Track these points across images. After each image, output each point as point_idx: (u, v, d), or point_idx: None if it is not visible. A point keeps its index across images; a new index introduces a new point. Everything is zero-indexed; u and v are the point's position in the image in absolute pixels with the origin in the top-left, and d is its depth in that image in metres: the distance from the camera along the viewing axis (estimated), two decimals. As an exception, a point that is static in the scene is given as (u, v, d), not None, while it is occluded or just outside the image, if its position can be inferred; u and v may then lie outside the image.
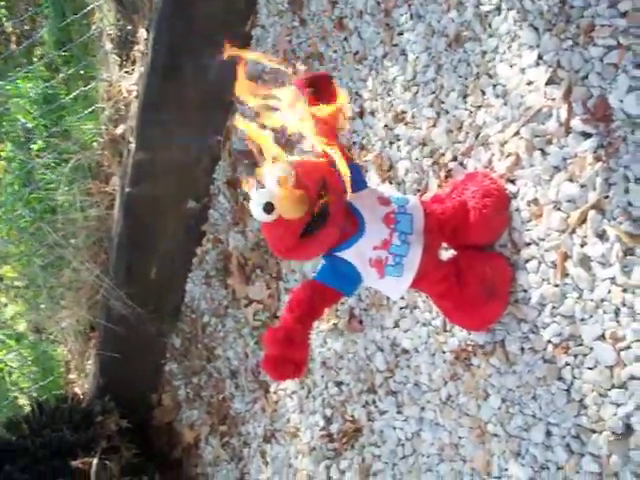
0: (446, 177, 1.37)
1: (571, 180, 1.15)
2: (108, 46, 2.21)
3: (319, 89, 1.09)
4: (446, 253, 1.30)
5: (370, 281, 1.14)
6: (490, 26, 1.30)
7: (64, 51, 2.39)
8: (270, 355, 1.04)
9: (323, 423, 1.70)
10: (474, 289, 1.19)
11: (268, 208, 0.98)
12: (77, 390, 2.56)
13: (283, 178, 0.98)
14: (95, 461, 2.04)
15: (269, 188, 0.99)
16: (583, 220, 1.12)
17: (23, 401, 2.69)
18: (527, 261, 1.21)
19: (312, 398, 1.74)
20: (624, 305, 1.07)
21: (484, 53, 1.31)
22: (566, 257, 1.14)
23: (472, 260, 1.21)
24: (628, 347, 1.06)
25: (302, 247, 1.03)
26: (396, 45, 1.52)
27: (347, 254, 1.09)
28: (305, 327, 1.07)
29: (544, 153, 1.19)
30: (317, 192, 1.00)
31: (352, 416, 1.61)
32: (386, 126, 1.53)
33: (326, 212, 1.00)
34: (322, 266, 1.11)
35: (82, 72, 2.34)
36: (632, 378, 1.05)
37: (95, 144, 2.25)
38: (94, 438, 2.14)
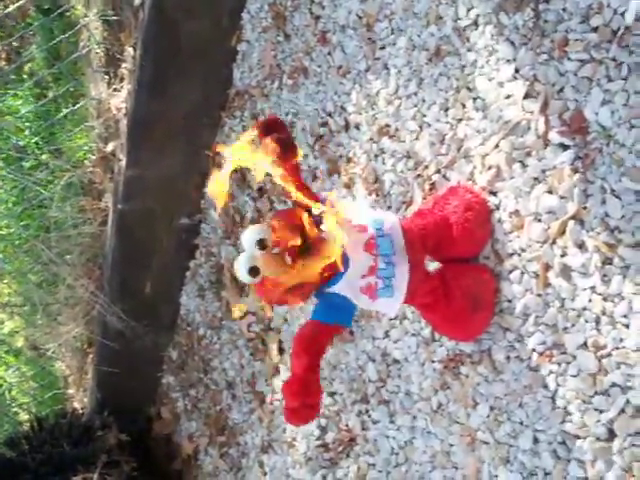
0: (430, 189, 1.40)
1: (550, 192, 1.17)
2: (96, 64, 2.23)
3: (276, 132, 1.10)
4: (432, 265, 1.32)
5: (364, 304, 1.16)
6: (468, 40, 1.33)
7: (53, 69, 2.42)
8: (291, 408, 1.08)
9: (318, 433, 1.72)
10: (459, 302, 1.22)
11: (253, 272, 1.01)
12: (76, 405, 2.58)
13: (262, 241, 1.01)
14: (96, 476, 2.06)
15: (251, 252, 1.02)
16: (563, 231, 1.15)
17: (23, 416, 2.71)
18: (510, 271, 1.23)
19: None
20: (604, 314, 1.09)
21: (463, 67, 1.34)
22: (547, 267, 1.17)
23: (456, 273, 1.24)
24: (609, 355, 1.09)
25: (290, 298, 1.07)
26: (378, 59, 1.54)
27: (337, 288, 1.11)
28: (316, 372, 1.10)
29: (524, 165, 1.22)
30: (297, 246, 1.02)
31: (346, 425, 1.64)
32: (371, 139, 1.55)
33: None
34: (316, 305, 1.13)
35: (72, 90, 2.37)
36: (613, 385, 1.08)
37: (86, 161, 2.28)
38: (94, 453, 2.16)
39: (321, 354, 1.12)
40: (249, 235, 1.02)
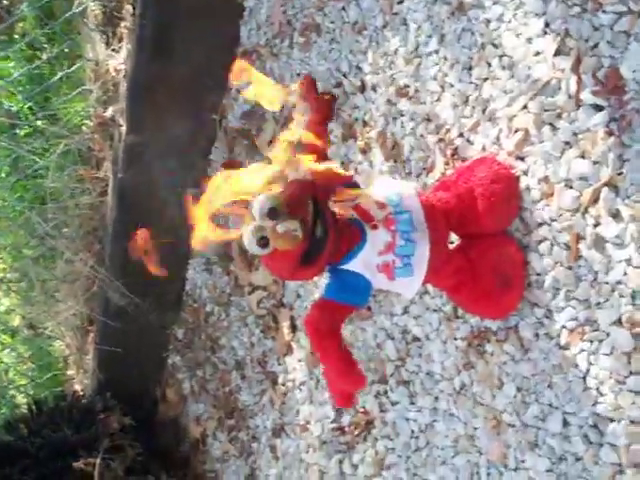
0: (452, 154, 1.39)
1: (583, 156, 1.16)
2: (92, 23, 2.22)
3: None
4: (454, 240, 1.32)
5: (381, 285, 1.16)
6: (494, -8, 1.32)
7: (47, 29, 2.41)
8: (340, 391, 1.12)
9: (334, 415, 1.73)
10: (488, 281, 1.21)
11: (263, 243, 1.00)
12: (77, 387, 2.60)
13: (274, 209, 1.00)
14: (98, 461, 2.08)
15: (260, 222, 1.00)
16: (596, 199, 1.14)
17: (20, 399, 2.74)
18: (539, 243, 1.23)
19: (321, 389, 1.78)
20: (640, 288, 1.09)
21: (488, 21, 1.32)
22: (579, 238, 1.16)
23: (482, 250, 1.23)
24: (646, 332, 1.09)
25: (303, 272, 1.07)
26: (396, 14, 1.53)
27: (353, 265, 1.11)
28: (345, 346, 1.11)
29: (554, 128, 1.21)
30: (310, 217, 1.02)
31: (363, 407, 1.65)
32: (389, 101, 1.54)
33: (323, 238, 1.03)
34: (328, 283, 1.13)
35: (67, 51, 2.36)
36: (650, 364, 1.08)
37: (84, 128, 2.28)
38: (96, 437, 2.17)
39: (338, 333, 1.12)
40: (260, 203, 1.00)
